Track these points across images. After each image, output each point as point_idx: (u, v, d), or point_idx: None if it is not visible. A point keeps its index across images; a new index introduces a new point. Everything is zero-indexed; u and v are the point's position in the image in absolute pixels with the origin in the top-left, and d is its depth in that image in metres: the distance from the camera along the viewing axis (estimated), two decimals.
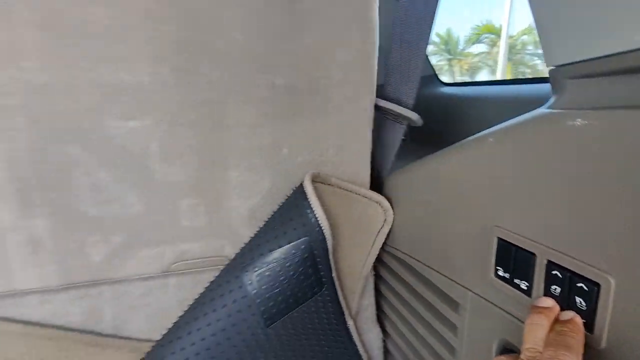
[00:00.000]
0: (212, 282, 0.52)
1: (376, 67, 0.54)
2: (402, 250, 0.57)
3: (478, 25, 11.71)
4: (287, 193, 0.52)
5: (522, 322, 0.36)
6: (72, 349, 0.46)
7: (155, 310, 0.51)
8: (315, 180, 0.52)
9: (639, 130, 0.26)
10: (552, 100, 0.35)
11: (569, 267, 0.32)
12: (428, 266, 0.52)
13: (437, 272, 0.50)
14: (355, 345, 0.58)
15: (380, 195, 0.56)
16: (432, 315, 0.51)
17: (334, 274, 0.53)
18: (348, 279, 0.56)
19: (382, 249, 0.62)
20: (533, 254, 0.35)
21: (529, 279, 0.36)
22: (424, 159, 0.51)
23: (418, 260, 0.54)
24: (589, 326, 0.31)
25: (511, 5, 10.01)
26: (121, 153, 0.46)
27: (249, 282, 0.49)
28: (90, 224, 0.47)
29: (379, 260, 0.64)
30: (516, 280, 0.37)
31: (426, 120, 0.67)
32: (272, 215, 0.53)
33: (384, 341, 0.64)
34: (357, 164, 0.55)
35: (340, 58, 0.51)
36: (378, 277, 0.65)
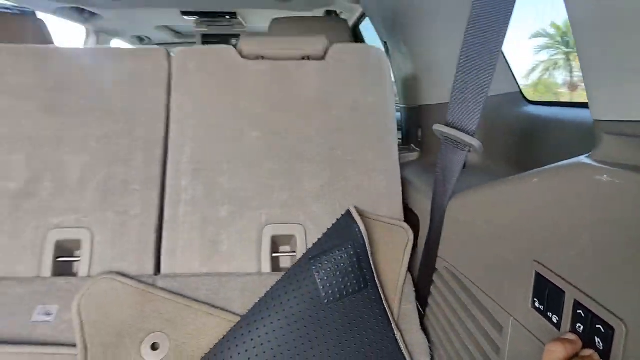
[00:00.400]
0: (289, 270, 0.69)
1: (394, 106, 0.84)
2: (457, 267, 0.61)
3: None
4: (340, 180, 0.79)
5: None
6: (198, 313, 0.68)
7: (250, 295, 0.69)
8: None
9: None
10: (592, 151, 0.37)
11: (590, 309, 0.34)
12: (476, 285, 0.55)
13: (484, 292, 0.53)
14: (400, 348, 0.64)
15: (402, 221, 0.76)
16: (479, 332, 0.55)
17: (376, 279, 0.67)
18: (387, 288, 0.71)
19: (439, 262, 0.67)
20: (563, 292, 0.38)
21: (559, 314, 0.39)
22: (479, 187, 0.55)
23: (468, 279, 0.57)
24: None
25: None
26: (246, 150, 0.79)
27: (314, 268, 0.67)
28: (222, 192, 0.77)
29: (435, 272, 0.69)
30: (549, 313, 0.40)
31: (508, 142, 0.68)
32: (329, 229, 0.73)
33: (430, 348, 0.69)
34: (388, 161, 0.81)
35: (369, 101, 0.83)
36: (435, 289, 0.69)
